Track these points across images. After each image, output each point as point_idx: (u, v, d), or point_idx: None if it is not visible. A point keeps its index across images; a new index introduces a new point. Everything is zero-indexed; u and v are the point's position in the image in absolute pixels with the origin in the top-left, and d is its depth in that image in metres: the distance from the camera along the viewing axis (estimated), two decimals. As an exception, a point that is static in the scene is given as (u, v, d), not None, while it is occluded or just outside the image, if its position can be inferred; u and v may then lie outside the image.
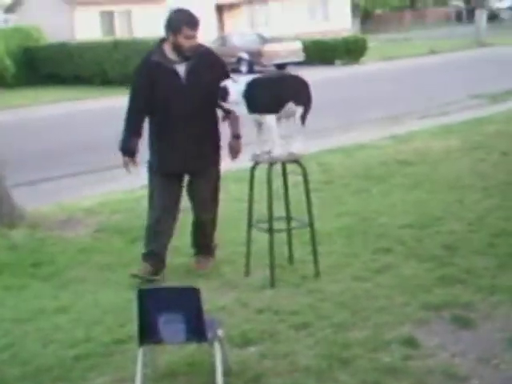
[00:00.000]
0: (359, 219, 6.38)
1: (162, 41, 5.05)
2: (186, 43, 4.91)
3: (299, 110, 4.88)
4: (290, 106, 4.84)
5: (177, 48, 4.94)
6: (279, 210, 5.33)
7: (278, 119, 4.90)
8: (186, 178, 5.27)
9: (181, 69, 4.96)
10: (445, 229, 5.90)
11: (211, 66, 5.04)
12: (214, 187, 5.27)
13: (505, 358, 3.66)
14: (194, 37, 4.93)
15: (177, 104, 4.95)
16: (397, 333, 4.01)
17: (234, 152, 5.26)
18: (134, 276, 5.05)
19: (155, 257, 5.17)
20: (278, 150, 4.89)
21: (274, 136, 4.86)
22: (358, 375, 3.56)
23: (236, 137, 5.26)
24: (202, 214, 5.30)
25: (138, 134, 5.13)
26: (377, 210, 6.64)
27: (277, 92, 4.82)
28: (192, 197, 5.28)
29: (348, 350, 3.85)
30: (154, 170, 5.19)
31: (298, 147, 5.00)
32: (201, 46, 5.08)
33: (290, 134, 5.00)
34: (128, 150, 5.13)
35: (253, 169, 5.07)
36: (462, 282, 4.72)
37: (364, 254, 5.43)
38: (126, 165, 5.19)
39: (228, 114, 5.11)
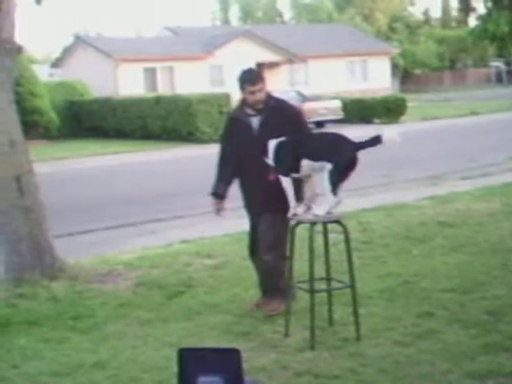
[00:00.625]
0: (400, 281, 6.28)
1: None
2: (250, 98, 5.40)
3: (327, 166, 4.85)
4: (307, 163, 4.90)
5: (246, 103, 5.47)
6: (320, 270, 5.30)
7: (308, 177, 5.04)
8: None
9: (255, 122, 5.45)
10: (489, 294, 5.76)
11: (284, 118, 5.40)
12: (277, 233, 5.43)
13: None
14: (255, 91, 5.37)
15: (249, 154, 5.41)
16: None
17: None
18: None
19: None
20: (319, 210, 4.92)
21: (290, 196, 5.02)
22: None
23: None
24: (262, 256, 5.54)
25: (227, 181, 5.62)
26: (418, 272, 6.53)
27: (294, 151, 4.97)
28: (257, 239, 5.60)
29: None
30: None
31: (317, 210, 4.97)
32: (271, 98, 5.51)
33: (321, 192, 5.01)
34: (216, 194, 5.63)
35: (294, 227, 5.06)
36: (507, 349, 4.58)
37: (406, 318, 5.32)
38: (215, 209, 5.66)
39: None
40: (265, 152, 5.09)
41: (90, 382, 4.41)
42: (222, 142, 5.73)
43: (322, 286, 5.38)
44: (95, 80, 30.58)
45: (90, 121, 26.69)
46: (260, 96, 5.40)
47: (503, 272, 6.40)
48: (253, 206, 5.61)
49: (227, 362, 3.45)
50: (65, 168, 18.09)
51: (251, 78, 5.45)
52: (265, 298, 5.61)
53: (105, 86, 31.39)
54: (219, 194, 5.62)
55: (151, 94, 27.28)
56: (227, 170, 5.62)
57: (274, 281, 5.54)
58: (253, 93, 5.37)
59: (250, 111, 5.47)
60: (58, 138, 25.37)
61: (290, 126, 5.30)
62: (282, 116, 5.41)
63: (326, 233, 5.11)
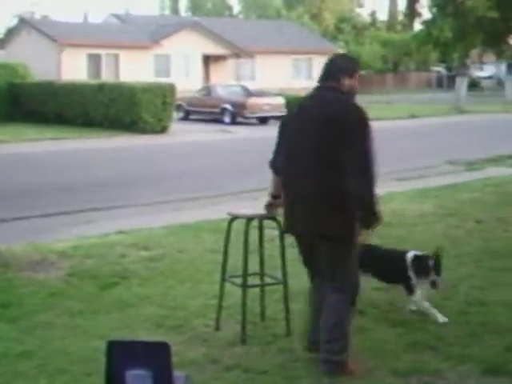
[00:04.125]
0: (333, 279, 6.36)
1: None
2: (356, 86, 4.57)
3: None
4: None
5: (354, 92, 4.56)
6: (253, 265, 5.33)
7: None
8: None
9: None
10: (418, 294, 5.91)
11: None
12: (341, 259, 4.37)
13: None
14: None
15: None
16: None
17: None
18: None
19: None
20: None
21: None
22: None
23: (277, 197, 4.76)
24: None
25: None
26: (351, 270, 6.64)
27: None
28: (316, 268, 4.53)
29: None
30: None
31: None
32: None
33: None
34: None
35: (230, 222, 5.08)
36: (433, 349, 4.72)
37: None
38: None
39: None
40: None
41: (14, 372, 4.33)
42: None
43: (256, 281, 5.41)
44: (38, 64, 29.94)
45: (29, 104, 26.08)
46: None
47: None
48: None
49: (156, 355, 3.44)
50: (1, 152, 17.65)
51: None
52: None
53: (48, 70, 30.79)
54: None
55: (94, 81, 26.86)
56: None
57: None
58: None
59: None
60: (-6, 120, 24.73)
61: None
62: None
63: (261, 228, 5.16)
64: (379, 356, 4.58)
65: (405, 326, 5.13)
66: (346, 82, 4.45)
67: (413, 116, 29.87)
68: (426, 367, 4.40)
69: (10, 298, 5.76)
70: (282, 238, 5.05)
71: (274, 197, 4.76)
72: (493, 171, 13.94)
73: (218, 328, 5.10)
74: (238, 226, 5.09)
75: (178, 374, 3.49)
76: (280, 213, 4.87)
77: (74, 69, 31.79)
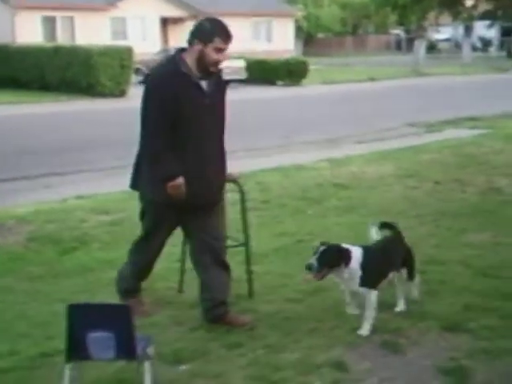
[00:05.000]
0: (295, 240, 6.43)
1: (182, 51, 4.42)
2: (213, 57, 4.29)
3: None
4: None
5: (202, 60, 4.31)
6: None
7: None
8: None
9: (205, 86, 4.38)
10: (377, 254, 5.99)
11: (223, 86, 4.56)
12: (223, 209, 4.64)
13: (432, 386, 3.73)
14: (223, 50, 4.33)
15: (199, 122, 4.34)
16: (327, 356, 4.04)
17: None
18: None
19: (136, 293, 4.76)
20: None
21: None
22: (288, 398, 3.57)
23: None
24: (223, 257, 4.60)
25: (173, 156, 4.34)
26: (312, 231, 6.71)
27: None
28: (208, 238, 4.50)
29: (279, 372, 3.85)
30: (158, 200, 4.40)
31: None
32: None
33: None
34: (176, 174, 4.29)
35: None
36: (392, 307, 4.79)
37: (298, 276, 5.45)
38: (178, 191, 4.31)
39: None
40: (217, 124, 4.42)
41: (-25, 338, 4.29)
42: (165, 102, 4.25)
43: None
44: (-10, 26, 29.10)
45: (-18, 68, 25.41)
46: (223, 58, 4.34)
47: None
48: (205, 194, 4.41)
49: (118, 317, 3.44)
50: (-46, 117, 17.21)
51: (227, 32, 4.36)
52: (232, 313, 4.60)
53: (1, 33, 29.94)
54: (179, 171, 4.30)
55: (50, 44, 26.25)
56: (170, 139, 4.29)
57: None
58: (221, 51, 4.30)
59: (195, 71, 4.31)
60: None
61: (224, 95, 4.54)
62: (222, 84, 4.56)
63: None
64: (341, 316, 4.64)
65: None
66: (198, 48, 4.30)
67: (372, 79, 29.99)
68: (386, 325, 4.47)
69: (-32, 263, 5.67)
70: (243, 201, 5.05)
71: None
72: (451, 133, 14.12)
73: (180, 290, 5.11)
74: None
75: (140, 335, 3.49)
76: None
77: (28, 32, 30.97)
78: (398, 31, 59.76)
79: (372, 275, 4.44)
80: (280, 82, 28.20)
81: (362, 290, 4.43)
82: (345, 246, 4.47)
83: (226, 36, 4.36)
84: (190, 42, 4.36)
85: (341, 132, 14.36)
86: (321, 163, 10.64)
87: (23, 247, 6.18)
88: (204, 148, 4.38)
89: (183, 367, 3.92)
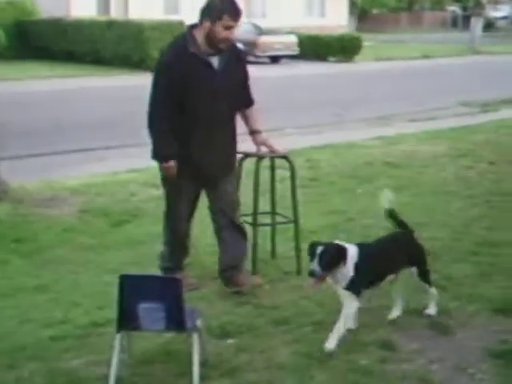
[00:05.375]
0: (344, 219, 6.40)
1: (193, 27, 4.47)
2: (223, 34, 4.34)
3: None
4: None
5: (211, 38, 4.36)
6: (265, 205, 5.34)
7: None
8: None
9: (215, 63, 4.44)
10: (428, 234, 5.90)
11: (239, 62, 4.62)
12: (237, 185, 4.86)
13: (481, 368, 3.68)
14: (232, 28, 4.37)
15: (207, 101, 4.42)
16: (375, 335, 4.03)
17: (269, 145, 4.83)
18: None
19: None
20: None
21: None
22: (334, 375, 3.57)
23: (257, 132, 4.79)
24: (235, 218, 4.73)
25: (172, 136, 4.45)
26: (361, 210, 6.66)
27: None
28: (220, 204, 4.68)
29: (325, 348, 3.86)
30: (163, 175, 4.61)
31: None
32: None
33: None
34: (170, 156, 4.44)
35: (241, 161, 5.06)
36: (442, 288, 4.73)
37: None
38: (169, 172, 4.49)
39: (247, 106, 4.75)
40: (228, 101, 4.49)
41: (30, 304, 4.41)
42: (172, 82, 4.37)
43: (267, 220, 5.44)
44: (47, 0, 29.46)
45: (39, 41, 25.82)
46: (234, 35, 4.42)
47: (443, 214, 6.57)
48: (207, 168, 4.54)
49: (168, 290, 3.49)
50: (11, 89, 17.56)
51: (236, 9, 4.38)
52: (239, 274, 4.73)
53: (56, 6, 30.29)
54: (173, 154, 4.44)
55: (103, 18, 26.49)
56: (171, 117, 4.43)
57: (245, 248, 4.82)
58: (230, 28, 4.35)
59: (205, 48, 4.40)
60: (4, 57, 24.50)
61: (242, 71, 4.65)
62: (238, 59, 4.63)
63: (272, 168, 5.14)
64: (388, 294, 4.60)
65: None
66: (207, 26, 4.36)
67: (426, 56, 29.41)
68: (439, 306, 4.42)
69: (24, 233, 5.82)
70: (293, 177, 5.04)
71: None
72: (507, 113, 13.77)
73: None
74: (250, 165, 5.08)
75: (189, 308, 3.54)
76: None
77: (83, 5, 31.27)
78: (455, 8, 58.32)
79: (362, 278, 3.93)
80: (332, 58, 27.90)
81: (345, 293, 3.90)
82: (341, 243, 4.00)
83: (235, 13, 4.39)
84: (200, 19, 4.41)
85: (393, 110, 14.16)
86: (372, 141, 10.54)
87: (76, 218, 6.31)
88: (214, 123, 4.48)
89: (230, 341, 3.96)
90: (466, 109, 14.56)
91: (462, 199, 7.07)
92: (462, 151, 9.64)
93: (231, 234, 4.70)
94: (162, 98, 4.40)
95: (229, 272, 4.70)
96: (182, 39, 4.47)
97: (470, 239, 5.78)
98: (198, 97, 4.42)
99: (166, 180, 4.62)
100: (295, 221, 5.14)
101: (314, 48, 28.27)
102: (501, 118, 13.07)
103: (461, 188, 7.59)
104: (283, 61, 26.85)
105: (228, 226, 4.70)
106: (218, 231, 4.76)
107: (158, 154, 4.49)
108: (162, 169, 4.54)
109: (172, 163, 4.45)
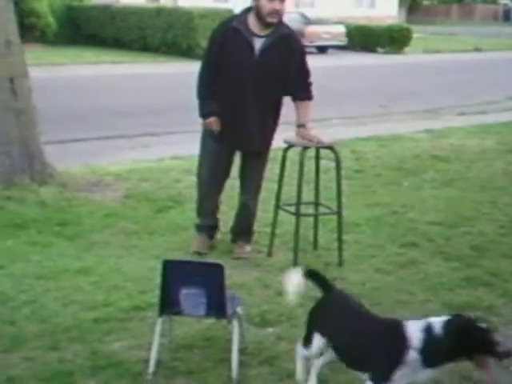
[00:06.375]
0: (388, 211, 6.31)
1: (249, 10, 4.74)
2: (268, 6, 4.55)
3: None
4: None
5: (259, 14, 4.61)
6: (309, 195, 5.31)
7: None
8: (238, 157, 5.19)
9: (258, 43, 4.68)
10: (475, 229, 5.81)
11: (289, 50, 4.75)
12: (262, 179, 5.17)
13: (525, 367, 3.60)
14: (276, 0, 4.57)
15: (244, 78, 4.72)
16: (417, 329, 3.96)
17: (310, 138, 4.92)
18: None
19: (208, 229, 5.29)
20: None
21: None
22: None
23: (301, 126, 4.94)
24: (247, 201, 5.18)
25: (214, 97, 4.85)
26: (407, 203, 6.57)
27: None
28: (244, 177, 5.16)
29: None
30: (210, 137, 5.00)
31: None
32: (283, 23, 4.76)
33: None
34: (210, 113, 4.87)
35: (286, 150, 5.04)
36: (487, 284, 4.65)
37: (390, 247, 5.38)
38: (210, 127, 4.90)
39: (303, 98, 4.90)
40: (266, 83, 4.69)
41: (73, 286, 4.46)
42: (213, 52, 4.78)
43: (310, 210, 5.40)
44: (96, -14, 29.77)
45: (87, 28, 26.14)
46: (280, 7, 4.58)
47: (491, 209, 6.44)
48: (237, 140, 4.94)
49: (210, 276, 3.49)
50: (60, 74, 17.81)
51: None
52: (239, 242, 5.23)
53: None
54: (214, 113, 4.86)
55: (152, 4, 26.66)
56: (213, 83, 4.83)
57: (251, 224, 5.28)
58: (272, 0, 4.58)
59: (254, 29, 4.67)
60: (54, 42, 24.84)
61: (292, 60, 4.76)
62: (289, 47, 4.75)
63: (317, 158, 5.10)
64: (432, 289, 4.55)
65: (459, 261, 5.06)
66: (255, 3, 4.66)
67: (477, 49, 28.88)
68: (480, 303, 4.35)
69: (69, 216, 5.89)
70: (338, 168, 4.99)
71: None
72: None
73: (270, 254, 5.14)
74: (295, 155, 5.05)
75: (230, 294, 3.54)
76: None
77: (132, -8, 31.52)
78: (507, 1, 57.09)
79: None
80: (381, 49, 27.58)
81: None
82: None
83: None
84: (252, 1, 4.70)
85: (441, 103, 13.93)
86: (419, 134, 10.38)
87: (120, 203, 6.36)
88: (245, 100, 4.77)
89: (269, 330, 3.94)
90: (516, 103, 14.25)
91: (510, 195, 6.92)
92: (511, 146, 9.43)
93: (243, 207, 5.20)
94: (206, 62, 4.84)
95: (231, 236, 5.30)
96: (233, 17, 4.91)
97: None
98: (230, 71, 4.74)
99: (206, 139, 5.06)
100: (338, 212, 5.09)
101: (363, 39, 27.99)
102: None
103: (509, 183, 7.42)
104: (331, 51, 26.66)
105: (244, 201, 5.18)
106: (239, 199, 5.26)
107: (200, 112, 4.91)
108: (204, 125, 4.96)
109: (212, 119, 4.86)
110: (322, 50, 26.57)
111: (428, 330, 2.84)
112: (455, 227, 5.85)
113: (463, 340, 2.78)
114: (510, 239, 5.55)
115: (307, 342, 3.27)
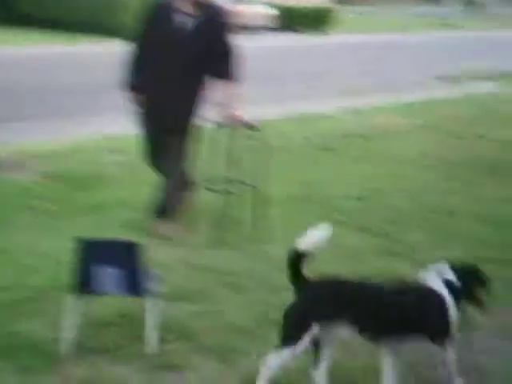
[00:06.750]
0: (310, 188, 6.43)
1: None
2: None
3: None
4: None
5: None
6: (235, 174, 5.34)
7: None
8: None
9: (187, 22, 4.80)
10: (389, 203, 6.01)
11: (217, 30, 4.89)
12: (188, 149, 5.16)
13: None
14: None
15: (172, 57, 4.83)
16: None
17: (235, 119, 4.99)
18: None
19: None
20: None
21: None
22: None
23: (227, 105, 4.98)
24: (174, 174, 5.16)
25: (141, 72, 4.95)
26: (327, 180, 6.72)
27: None
28: (168, 155, 5.13)
29: (282, 311, 3.88)
30: (139, 115, 5.10)
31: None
32: (213, 4, 4.91)
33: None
34: (134, 87, 4.94)
35: (211, 130, 5.06)
36: (397, 254, 4.82)
37: (309, 222, 5.43)
38: (133, 101, 5.00)
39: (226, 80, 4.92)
40: (193, 61, 4.77)
41: (-13, 268, 4.37)
42: (143, 30, 4.95)
43: (232, 188, 5.43)
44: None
45: (21, 8, 25.27)
46: None
47: (405, 183, 6.66)
48: (161, 119, 5.02)
49: (126, 254, 3.49)
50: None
51: None
52: (161, 220, 5.18)
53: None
54: (138, 87, 4.94)
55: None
56: (142, 60, 4.93)
57: (173, 202, 5.22)
58: None
59: (184, 8, 4.78)
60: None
61: (221, 40, 4.87)
62: (217, 27, 4.91)
63: (242, 138, 5.14)
64: (346, 261, 4.65)
65: (373, 233, 5.24)
66: None
67: (402, 30, 29.40)
68: (392, 272, 4.44)
69: (-15, 197, 5.75)
70: (262, 147, 5.05)
71: None
72: (478, 87, 13.86)
73: (192, 232, 5.15)
74: (221, 135, 5.07)
75: (146, 272, 3.54)
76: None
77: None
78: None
79: None
80: (307, 30, 27.77)
81: None
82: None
83: None
84: None
85: (366, 83, 14.15)
86: (343, 113, 10.55)
87: (39, 184, 6.24)
88: (169, 78, 4.83)
89: (187, 306, 3.97)
90: (439, 82, 14.61)
91: (426, 170, 7.15)
92: (431, 123, 9.73)
93: (166, 185, 5.14)
94: (136, 40, 4.92)
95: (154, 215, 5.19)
96: None
97: (430, 207, 5.86)
98: (158, 49, 4.82)
99: (138, 117, 5.12)
100: (259, 188, 5.14)
101: (290, 19, 28.06)
102: (471, 92, 13.16)
103: (426, 159, 7.66)
104: (258, 32, 26.67)
105: (166, 178, 5.14)
106: (162, 176, 5.21)
107: (123, 86, 4.95)
108: (128, 98, 4.98)
109: (135, 93, 4.91)
110: (250, 30, 26.54)
111: (447, 282, 3.19)
112: (371, 200, 6.02)
113: (474, 280, 3.26)
114: (421, 211, 5.75)
115: (290, 341, 3.05)
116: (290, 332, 3.07)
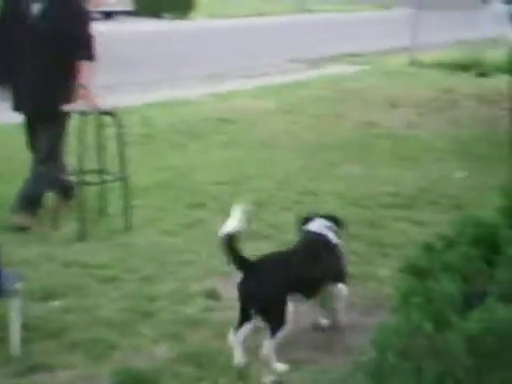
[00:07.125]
0: (176, 174, 6.44)
1: None
2: None
3: None
4: None
5: None
6: (94, 163, 5.25)
7: None
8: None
9: (36, 6, 4.76)
10: (255, 186, 6.12)
11: (68, 13, 4.82)
12: (54, 138, 5.01)
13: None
14: None
15: (23, 42, 4.76)
16: (201, 286, 4.12)
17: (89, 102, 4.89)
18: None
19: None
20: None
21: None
22: (158, 327, 3.62)
23: (83, 86, 4.88)
24: (38, 164, 5.04)
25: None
26: (193, 165, 6.74)
27: None
28: (35, 144, 5.08)
29: (153, 303, 3.90)
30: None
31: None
32: None
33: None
34: None
35: (75, 119, 4.94)
36: (268, 237, 4.92)
37: (177, 209, 5.50)
38: None
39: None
40: (44, 47, 4.72)
41: None
42: None
43: (96, 179, 5.34)
44: None
45: None
46: None
47: (270, 167, 6.80)
48: (24, 107, 4.98)
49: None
50: None
51: None
52: (22, 211, 5.00)
53: None
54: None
55: None
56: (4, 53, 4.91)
57: (36, 194, 5.11)
58: None
59: None
60: None
61: (73, 22, 4.82)
62: (68, 9, 4.85)
63: (99, 124, 5.05)
64: (217, 246, 4.70)
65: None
66: None
67: (260, 14, 29.82)
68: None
69: None
70: (120, 134, 4.99)
71: None
72: (333, 69, 14.35)
73: (55, 228, 5.02)
74: (75, 122, 4.95)
75: (8, 271, 3.42)
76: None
77: None
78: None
79: None
80: (167, 15, 27.53)
81: None
82: None
83: None
84: None
85: (225, 67, 14.27)
86: (205, 98, 10.60)
87: None
88: (24, 63, 4.77)
89: (55, 303, 3.88)
90: (295, 65, 14.98)
91: (288, 152, 7.35)
92: (290, 106, 9.96)
93: (30, 176, 5.06)
94: None
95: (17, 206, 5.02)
96: None
97: (294, 189, 6.04)
98: (9, 34, 4.78)
99: None
100: (123, 177, 5.09)
101: (149, 4, 27.69)
102: (326, 73, 13.60)
103: (288, 141, 7.87)
104: (117, 17, 26.11)
105: (32, 168, 5.06)
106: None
107: None
108: None
109: None
110: (107, 15, 25.93)
111: (327, 226, 3.74)
112: (238, 185, 6.12)
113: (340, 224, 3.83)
114: (286, 193, 5.92)
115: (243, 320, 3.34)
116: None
